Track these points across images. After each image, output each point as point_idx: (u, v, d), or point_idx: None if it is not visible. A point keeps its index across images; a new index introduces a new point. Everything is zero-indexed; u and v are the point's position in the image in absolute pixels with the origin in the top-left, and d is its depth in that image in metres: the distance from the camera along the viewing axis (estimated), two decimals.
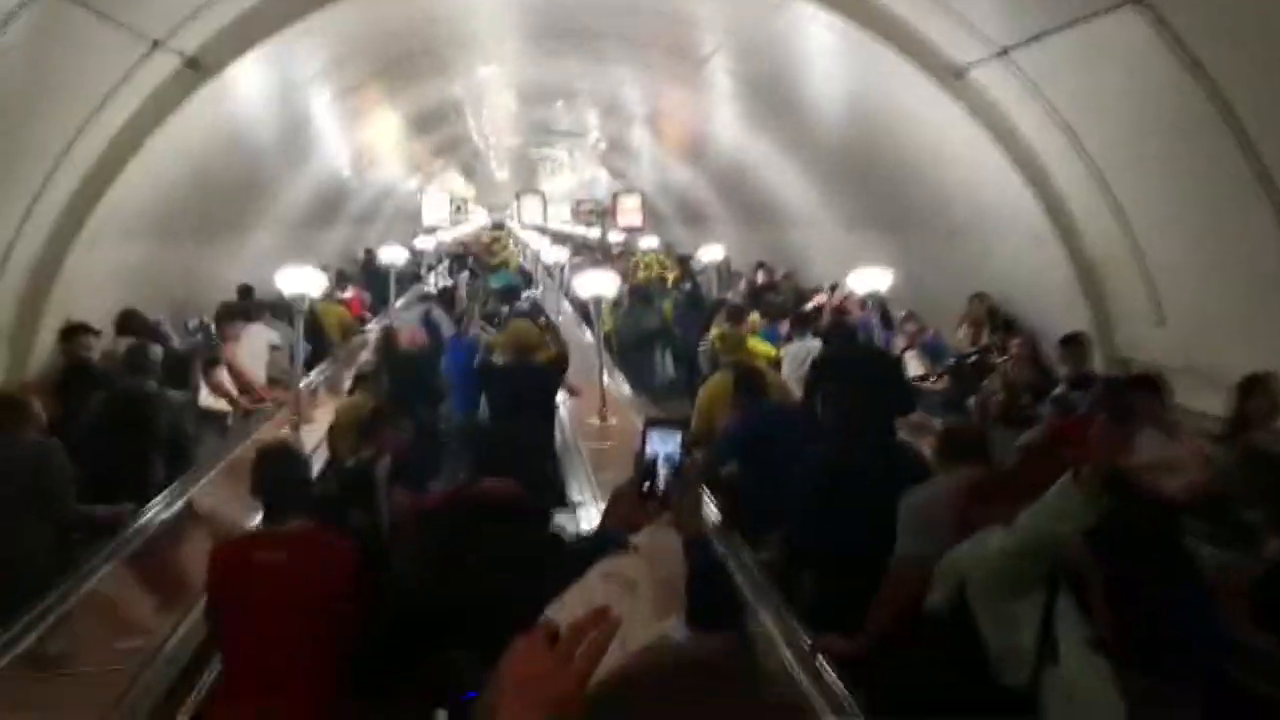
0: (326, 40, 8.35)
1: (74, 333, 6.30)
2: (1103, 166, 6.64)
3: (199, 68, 6.74)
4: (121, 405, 5.52)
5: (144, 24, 6.03)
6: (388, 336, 7.59)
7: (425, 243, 17.82)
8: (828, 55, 8.40)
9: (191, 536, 4.89)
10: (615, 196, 18.58)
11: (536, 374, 6.36)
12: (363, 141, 13.92)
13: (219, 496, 5.44)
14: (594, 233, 20.92)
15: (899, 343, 8.14)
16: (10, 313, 6.49)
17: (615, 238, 18.92)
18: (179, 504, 5.28)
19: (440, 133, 18.09)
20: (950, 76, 7.15)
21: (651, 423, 2.11)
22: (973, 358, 7.36)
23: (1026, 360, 6.49)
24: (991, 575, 2.89)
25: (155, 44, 6.21)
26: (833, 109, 9.38)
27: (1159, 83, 5.55)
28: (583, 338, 10.95)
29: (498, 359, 6.57)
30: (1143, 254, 6.74)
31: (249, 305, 9.13)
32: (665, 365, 10.08)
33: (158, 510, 5.12)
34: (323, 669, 3.15)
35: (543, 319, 8.62)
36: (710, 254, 12.67)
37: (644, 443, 2.05)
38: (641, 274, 14.71)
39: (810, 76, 9.05)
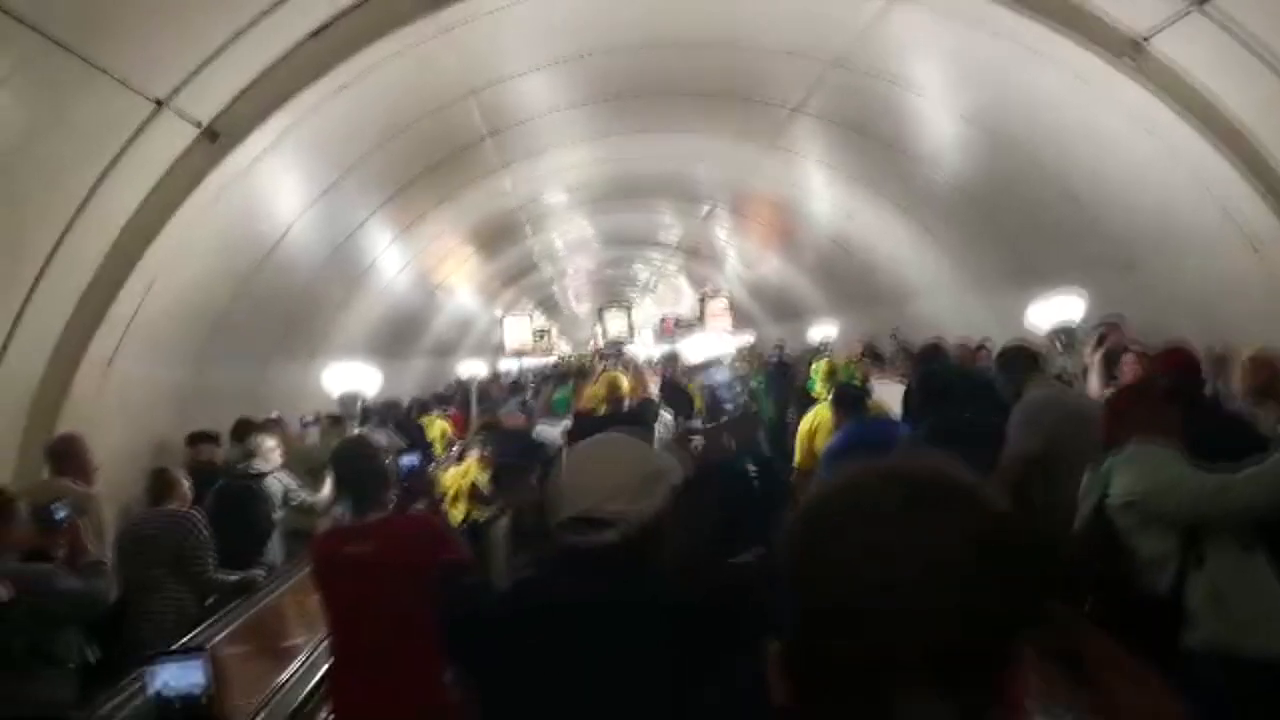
0: (365, 128, 7.39)
1: (197, 439, 6.69)
2: None
3: (216, 139, 5.69)
4: (233, 493, 5.99)
5: (143, 81, 5.01)
6: (489, 419, 7.84)
7: (509, 364, 16.95)
8: (947, 59, 7.08)
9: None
10: (702, 300, 17.48)
11: (628, 418, 6.59)
12: (426, 258, 13.02)
13: None
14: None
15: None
16: (4, 445, 5.33)
17: None
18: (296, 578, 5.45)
19: (510, 255, 17.28)
20: (1125, 51, 5.74)
21: None
22: None
23: None
24: (1171, 512, 2.94)
25: (159, 104, 5.18)
26: (956, 135, 7.99)
27: None
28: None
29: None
30: None
31: (355, 412, 8.40)
32: (760, 440, 8.90)
33: (279, 580, 5.57)
34: (425, 647, 3.16)
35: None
36: (821, 334, 11.30)
37: None
38: None
39: (925, 97, 7.71)
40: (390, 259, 11.43)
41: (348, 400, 5.76)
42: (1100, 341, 3.68)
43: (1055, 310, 5.58)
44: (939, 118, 7.90)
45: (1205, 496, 2.89)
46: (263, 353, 8.98)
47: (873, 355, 7.77)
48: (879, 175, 9.87)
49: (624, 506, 1.71)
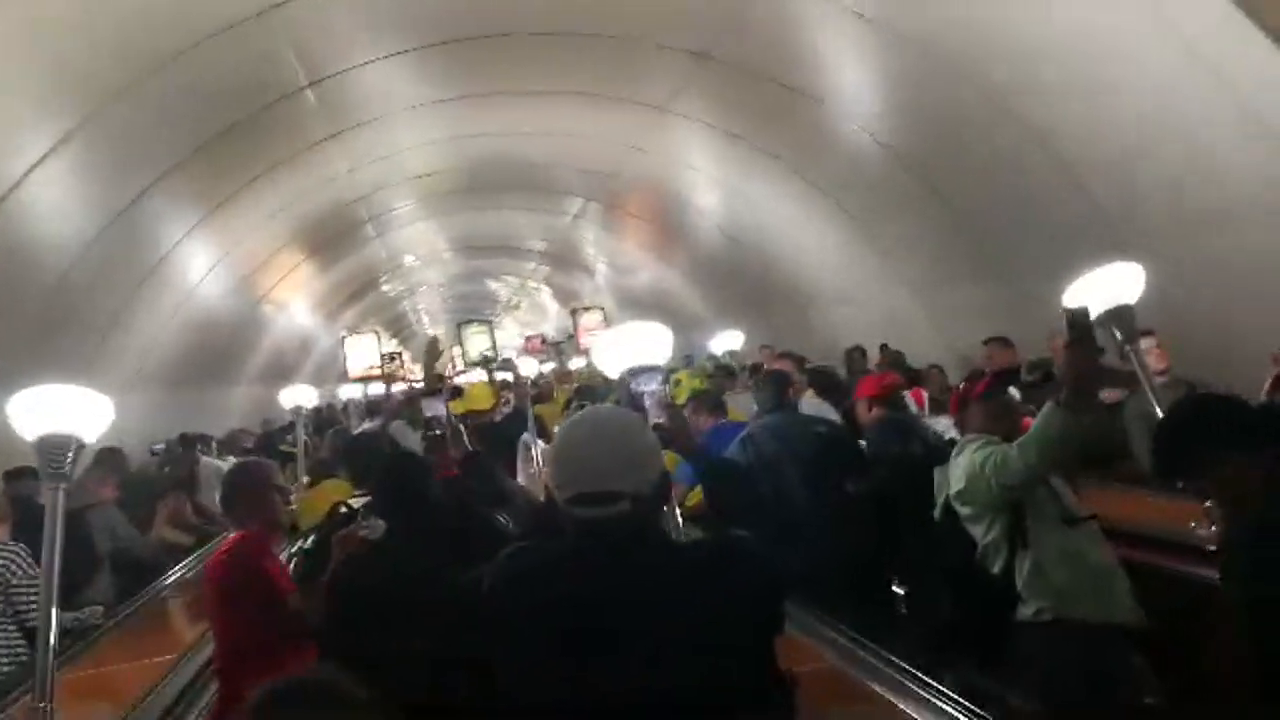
0: (114, 37, 5.31)
1: (19, 474, 6.02)
2: None
3: None
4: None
5: None
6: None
7: (353, 391, 14.76)
8: None
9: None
10: (574, 313, 15.71)
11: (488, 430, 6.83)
12: (245, 258, 10.75)
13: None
14: (549, 366, 17.87)
15: None
16: None
17: (577, 364, 15.93)
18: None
19: (352, 263, 15.07)
20: None
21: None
22: None
23: None
24: (980, 499, 3.20)
25: None
26: (895, 71, 6.45)
27: None
28: None
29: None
30: None
31: (65, 469, 6.55)
32: None
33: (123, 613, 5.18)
34: (247, 673, 3.07)
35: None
36: (726, 343, 9.66)
37: None
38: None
39: (848, 35, 6.10)
40: (193, 253, 9.16)
41: (52, 449, 2.99)
42: None
43: (1103, 291, 3.83)
44: (871, 49, 6.35)
45: (989, 474, 3.08)
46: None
47: (725, 372, 8.45)
48: (781, 142, 8.31)
49: (633, 481, 1.77)
